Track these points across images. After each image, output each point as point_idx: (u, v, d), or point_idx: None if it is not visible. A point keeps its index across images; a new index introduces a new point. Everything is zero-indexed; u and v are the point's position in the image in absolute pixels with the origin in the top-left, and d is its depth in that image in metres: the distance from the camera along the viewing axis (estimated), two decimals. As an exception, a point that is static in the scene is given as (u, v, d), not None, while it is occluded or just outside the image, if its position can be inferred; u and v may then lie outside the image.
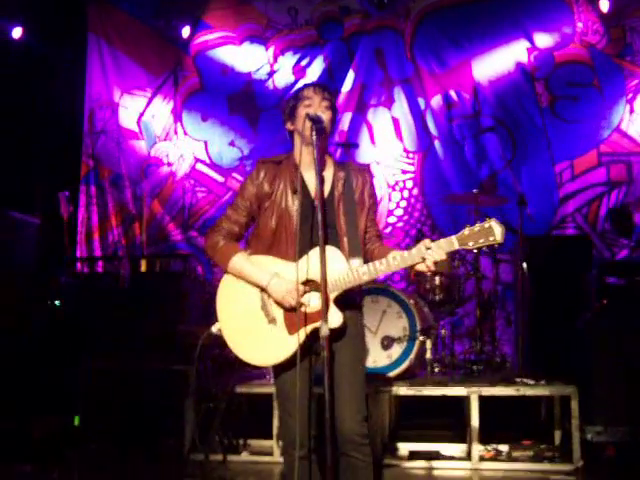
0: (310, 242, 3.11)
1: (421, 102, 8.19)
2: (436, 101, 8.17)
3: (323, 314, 2.87)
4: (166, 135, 8.78)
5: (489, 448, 5.32)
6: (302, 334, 3.06)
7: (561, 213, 7.71)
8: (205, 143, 8.70)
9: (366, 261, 3.17)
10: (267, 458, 5.36)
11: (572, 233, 7.60)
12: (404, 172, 8.17)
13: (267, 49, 8.64)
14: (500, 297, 6.81)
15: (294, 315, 3.09)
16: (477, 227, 2.95)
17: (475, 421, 5.13)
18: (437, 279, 6.12)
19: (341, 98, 8.25)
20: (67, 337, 5.83)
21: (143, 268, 6.98)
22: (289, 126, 3.34)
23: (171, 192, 8.66)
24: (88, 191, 8.70)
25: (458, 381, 5.55)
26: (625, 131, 7.63)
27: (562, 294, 5.85)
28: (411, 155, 8.19)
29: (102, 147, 8.80)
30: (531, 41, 7.93)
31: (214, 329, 3.34)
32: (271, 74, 8.61)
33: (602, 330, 5.19)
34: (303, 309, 3.09)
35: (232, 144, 8.62)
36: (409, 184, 8.14)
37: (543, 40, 7.92)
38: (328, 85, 3.56)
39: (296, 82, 8.45)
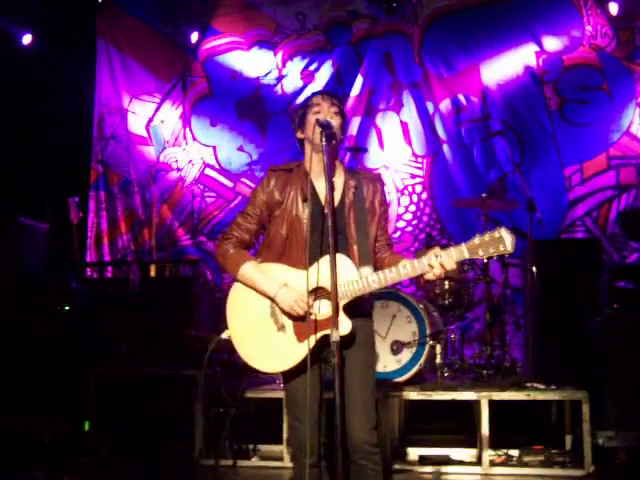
0: (320, 250, 3.11)
1: (430, 106, 8.18)
2: (445, 105, 8.16)
3: (333, 321, 2.87)
4: (175, 140, 8.80)
5: (500, 453, 5.30)
6: (311, 341, 3.06)
7: (571, 217, 7.68)
8: (214, 148, 8.72)
9: (376, 269, 3.17)
10: (277, 463, 5.36)
11: (582, 237, 7.58)
12: (413, 176, 8.16)
13: (275, 54, 8.65)
14: (510, 301, 6.79)
15: (303, 323, 3.09)
16: (487, 236, 2.93)
17: (485, 426, 5.12)
18: (446, 284, 6.11)
19: (350, 103, 8.24)
20: (76, 342, 5.84)
21: (152, 273, 6.98)
22: (299, 134, 3.35)
23: (180, 197, 8.68)
24: (97, 196, 8.73)
25: (468, 386, 5.53)
26: (635, 134, 7.60)
27: (572, 298, 5.83)
28: (420, 159, 8.18)
29: (111, 153, 8.83)
30: (540, 45, 7.91)
31: (224, 336, 3.34)
32: (279, 79, 8.62)
33: (612, 334, 5.17)
34: (312, 317, 3.09)
35: (241, 149, 8.63)
36: (418, 188, 8.13)
37: (552, 44, 7.90)
38: (336, 91, 3.57)
39: (304, 87, 8.45)
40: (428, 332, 5.60)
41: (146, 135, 8.85)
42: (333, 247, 2.92)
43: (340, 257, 3.06)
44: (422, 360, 5.57)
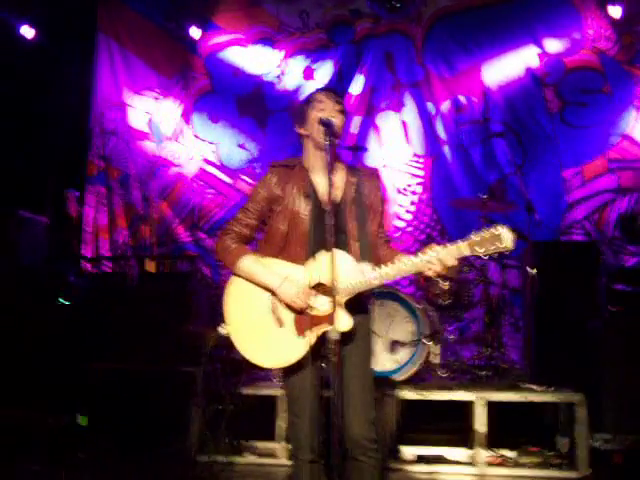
0: (320, 246, 3.11)
1: (430, 106, 8.19)
2: (445, 106, 8.17)
3: (333, 318, 2.88)
4: (175, 136, 8.80)
5: (495, 454, 5.30)
6: (312, 337, 3.07)
7: (570, 219, 7.69)
8: (214, 145, 8.72)
9: (375, 266, 3.17)
10: (272, 460, 5.36)
11: (581, 239, 7.59)
12: (413, 176, 8.16)
13: (278, 52, 8.65)
14: (508, 303, 6.80)
15: (303, 318, 3.10)
16: (487, 234, 2.91)
17: (481, 426, 5.13)
18: (445, 284, 6.11)
19: (351, 101, 8.25)
20: (74, 336, 5.83)
21: (151, 268, 6.98)
22: (300, 130, 3.35)
23: (180, 193, 8.67)
24: (97, 191, 8.73)
25: (465, 386, 5.54)
26: (634, 138, 7.62)
27: (570, 300, 5.82)
28: (420, 159, 8.18)
29: (113, 148, 8.82)
30: (541, 47, 7.92)
31: (222, 331, 3.34)
32: (281, 76, 8.62)
33: (610, 337, 5.18)
34: (313, 313, 3.09)
35: (241, 146, 8.63)
36: (418, 189, 8.14)
37: (553, 46, 7.91)
38: (339, 89, 3.57)
39: (306, 85, 8.45)
40: (426, 332, 5.60)
41: (146, 130, 8.84)
42: (332, 244, 2.92)
43: (340, 254, 3.07)
44: (420, 360, 5.58)
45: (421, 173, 8.15)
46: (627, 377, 5.01)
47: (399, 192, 8.14)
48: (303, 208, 3.23)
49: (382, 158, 8.21)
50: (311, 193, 3.23)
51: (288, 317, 3.17)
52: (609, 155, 7.67)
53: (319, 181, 3.27)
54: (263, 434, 5.58)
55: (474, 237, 2.93)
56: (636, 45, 7.68)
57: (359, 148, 7.81)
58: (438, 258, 2.96)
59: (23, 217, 6.60)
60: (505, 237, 2.89)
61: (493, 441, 5.22)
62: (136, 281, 6.47)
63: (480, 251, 2.93)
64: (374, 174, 3.47)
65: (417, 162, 8.18)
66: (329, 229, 2.94)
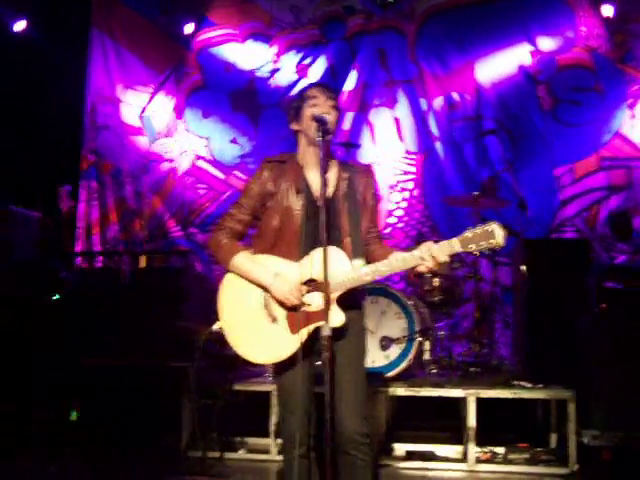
0: (313, 242, 3.12)
1: (423, 103, 8.21)
2: (438, 102, 8.19)
3: (325, 314, 2.89)
4: (168, 131, 8.79)
5: (485, 450, 5.31)
6: (304, 333, 3.08)
7: (561, 216, 7.73)
8: (207, 140, 8.71)
9: (367, 262, 3.18)
10: (264, 456, 5.37)
11: (571, 237, 7.62)
12: (405, 173, 8.18)
13: (270, 47, 8.65)
14: (499, 300, 6.82)
15: (296, 315, 3.11)
16: (479, 230, 2.93)
17: (472, 423, 5.14)
18: (436, 281, 6.13)
19: (343, 98, 8.25)
20: (65, 331, 5.83)
21: (143, 264, 6.98)
22: (294, 126, 3.35)
23: (172, 188, 8.67)
24: (89, 186, 8.71)
25: (456, 383, 5.55)
26: (626, 136, 7.65)
27: (560, 298, 5.85)
28: (412, 156, 8.20)
29: (104, 142, 8.81)
30: (534, 44, 7.95)
31: (215, 327, 3.35)
32: (273, 72, 8.62)
33: (600, 334, 5.21)
34: (305, 309, 3.10)
35: (233, 141, 8.63)
36: (410, 185, 8.15)
37: (546, 44, 7.94)
38: (331, 85, 3.57)
39: (298, 81, 8.47)
40: (417, 328, 5.62)
41: (139, 125, 8.83)
42: (325, 240, 2.93)
43: (333, 250, 3.08)
44: (410, 356, 5.59)
45: (413, 169, 8.17)
46: (616, 374, 5.04)
47: (391, 188, 8.15)
48: (296, 204, 3.23)
49: (375, 155, 8.22)
50: (304, 189, 3.23)
51: (281, 313, 3.17)
52: (601, 153, 7.71)
53: (312, 177, 3.27)
54: (256, 430, 5.59)
55: (466, 234, 2.95)
56: (628, 43, 7.71)
57: (352, 144, 7.82)
58: (430, 254, 2.97)
59: (15, 212, 6.58)
60: (497, 234, 2.91)
61: (483, 437, 5.24)
62: (128, 276, 6.46)
63: (472, 247, 2.94)
64: (367, 171, 3.48)
65: (409, 159, 8.19)
66: (322, 225, 2.94)
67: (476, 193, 6.35)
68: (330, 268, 2.95)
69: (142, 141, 8.81)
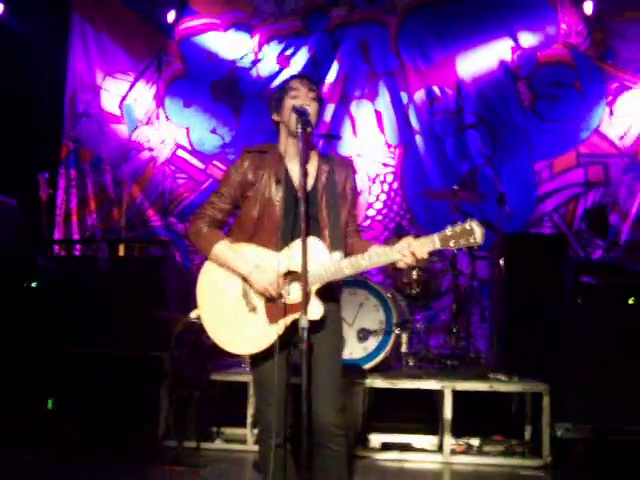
0: (292, 233, 3.13)
1: (404, 96, 8.22)
2: (419, 96, 8.21)
3: (303, 306, 2.90)
4: (148, 120, 8.73)
5: (460, 442, 5.37)
6: (282, 324, 3.09)
7: (539, 212, 7.79)
8: (187, 129, 8.68)
9: (345, 254, 3.19)
10: (241, 446, 5.38)
11: (549, 232, 7.69)
12: (385, 165, 8.20)
13: (252, 37, 8.62)
14: (476, 293, 6.87)
15: (275, 306, 3.12)
16: (458, 227, 2.96)
17: (448, 415, 5.19)
18: (414, 273, 6.16)
19: (324, 89, 8.25)
20: (43, 320, 5.79)
21: (121, 252, 6.94)
22: (275, 117, 3.35)
23: (151, 177, 8.62)
24: (68, 174, 8.64)
25: (432, 375, 5.60)
26: (604, 133, 7.72)
27: (537, 292, 5.90)
28: (392, 149, 8.22)
29: (83, 130, 8.73)
30: (515, 40, 7.99)
31: (193, 315, 3.35)
32: (255, 62, 8.59)
33: (575, 328, 5.26)
34: (284, 300, 3.11)
35: (214, 131, 8.60)
36: (389, 178, 8.18)
37: (527, 39, 7.98)
38: (313, 76, 3.58)
39: (280, 71, 8.44)
40: (395, 321, 5.65)
41: (119, 113, 8.76)
42: (304, 231, 2.93)
43: (313, 241, 3.09)
44: (388, 348, 5.62)
45: (393, 162, 8.19)
46: (589, 368, 5.10)
47: (371, 181, 8.17)
48: (275, 194, 3.23)
49: (356, 147, 8.23)
50: (284, 179, 3.23)
51: (260, 303, 3.18)
52: (579, 149, 7.78)
53: (292, 168, 3.27)
54: (232, 420, 5.60)
55: (446, 231, 2.98)
56: (607, 41, 7.77)
57: (333, 136, 7.81)
58: (410, 250, 3.00)
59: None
60: (476, 232, 2.94)
61: (459, 429, 5.29)
62: (106, 265, 6.42)
63: (451, 245, 2.98)
64: (347, 163, 3.49)
65: (389, 151, 8.21)
66: (301, 216, 2.95)
67: (455, 187, 6.38)
68: (310, 260, 2.97)
69: (122, 129, 8.75)
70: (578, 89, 7.79)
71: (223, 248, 3.24)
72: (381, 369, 5.66)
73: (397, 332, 5.69)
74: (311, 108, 3.19)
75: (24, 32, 8.06)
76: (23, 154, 7.62)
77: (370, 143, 8.25)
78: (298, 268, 2.99)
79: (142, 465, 4.97)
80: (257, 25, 8.63)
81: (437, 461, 5.19)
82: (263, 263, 3.16)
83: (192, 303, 3.36)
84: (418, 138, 8.13)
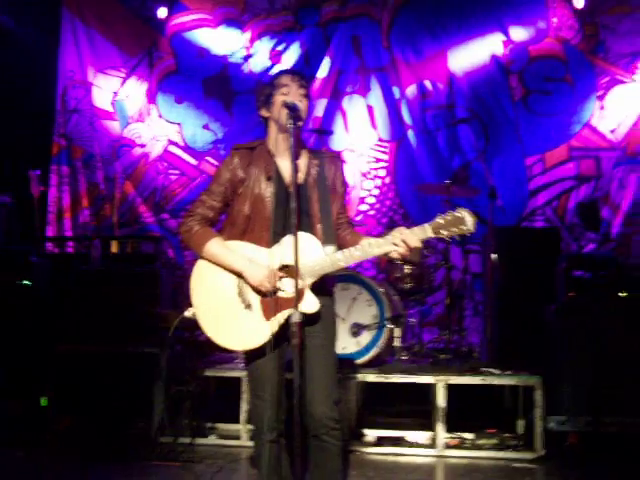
0: (284, 229, 3.14)
1: (396, 91, 8.22)
2: (411, 90, 8.21)
3: (296, 300, 2.91)
4: (140, 116, 8.71)
5: (454, 436, 5.40)
6: (277, 320, 3.10)
7: (531, 205, 7.81)
8: (179, 125, 8.66)
9: (338, 248, 3.21)
10: (235, 442, 5.39)
11: (541, 226, 7.71)
12: (377, 160, 8.20)
13: (244, 33, 8.59)
14: (469, 287, 6.89)
15: (270, 301, 3.12)
16: (450, 216, 3.01)
17: (441, 409, 5.21)
18: (407, 268, 6.18)
19: (316, 84, 8.25)
20: (36, 317, 5.79)
21: (114, 249, 6.93)
22: (264, 113, 3.35)
23: (143, 174, 8.60)
24: (60, 170, 8.61)
25: (426, 369, 5.61)
26: (595, 127, 7.74)
27: (530, 285, 5.92)
28: (385, 144, 8.22)
29: (75, 126, 8.70)
30: (507, 34, 7.99)
31: (188, 314, 3.35)
32: (247, 58, 8.57)
33: (567, 322, 5.28)
34: (280, 295, 3.12)
35: (206, 127, 8.58)
36: (382, 172, 8.18)
37: (518, 34, 7.98)
38: (304, 72, 3.58)
39: (272, 67, 8.42)
40: (388, 315, 5.66)
41: (111, 110, 8.73)
42: (296, 226, 2.94)
43: (306, 236, 3.11)
44: (381, 343, 5.63)
45: (385, 157, 8.20)
46: (581, 361, 5.12)
47: (363, 176, 8.18)
48: (266, 190, 3.24)
49: (348, 142, 8.23)
50: (274, 176, 3.24)
51: (255, 300, 3.19)
52: (570, 143, 7.80)
53: (282, 164, 3.29)
54: (227, 416, 5.61)
55: (438, 220, 3.03)
56: (598, 35, 7.79)
57: (325, 131, 7.83)
58: (403, 239, 3.02)
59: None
60: (467, 220, 2.99)
61: (452, 423, 5.31)
62: (99, 262, 6.42)
63: (444, 233, 3.03)
64: (336, 158, 3.51)
65: (382, 146, 8.22)
66: (292, 211, 2.96)
67: (448, 181, 6.39)
68: (304, 255, 3.00)
69: (114, 126, 8.72)
70: (569, 83, 7.80)
71: (216, 245, 3.24)
72: (374, 364, 5.67)
73: (390, 327, 5.70)
74: (301, 104, 3.20)
75: (14, 28, 8.02)
76: (14, 151, 7.59)
77: (362, 138, 8.25)
78: (292, 263, 3.00)
79: (136, 462, 4.98)
80: (248, 21, 8.60)
81: (431, 455, 5.21)
82: (257, 259, 3.16)
83: (185, 299, 3.36)
84: (410, 133, 8.13)
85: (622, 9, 7.76)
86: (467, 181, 7.80)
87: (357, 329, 5.69)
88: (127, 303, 5.74)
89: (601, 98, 7.75)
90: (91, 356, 5.62)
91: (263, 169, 3.27)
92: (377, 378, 5.42)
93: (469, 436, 5.46)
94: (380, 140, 8.24)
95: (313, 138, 7.78)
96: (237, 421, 5.43)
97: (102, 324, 5.69)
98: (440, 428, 5.20)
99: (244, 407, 5.36)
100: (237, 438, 5.41)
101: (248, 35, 8.58)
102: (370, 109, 8.28)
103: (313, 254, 3.11)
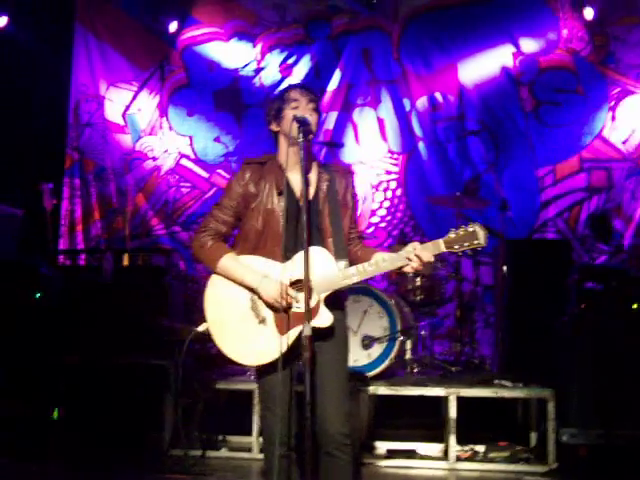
0: (296, 243, 3.14)
1: (406, 103, 8.24)
2: (421, 103, 8.22)
3: (306, 314, 2.91)
4: (151, 129, 8.76)
5: (466, 448, 5.36)
6: (292, 335, 3.11)
7: (542, 217, 7.79)
8: (190, 138, 8.70)
9: (350, 262, 3.21)
10: (246, 454, 5.39)
11: (553, 237, 7.69)
12: (388, 172, 8.21)
13: (254, 46, 8.63)
14: (480, 299, 6.87)
15: (284, 316, 3.13)
16: (462, 231, 3.03)
17: (453, 422, 5.19)
18: (418, 280, 6.17)
19: (327, 97, 8.28)
20: (47, 329, 5.81)
21: (125, 262, 6.96)
22: (274, 127, 3.36)
23: (155, 187, 8.64)
24: (72, 184, 8.67)
25: (437, 382, 5.60)
26: (607, 138, 7.73)
27: (541, 297, 5.91)
28: (395, 156, 8.23)
29: (87, 140, 8.77)
30: (517, 46, 8.00)
31: (201, 328, 3.36)
32: (258, 71, 8.61)
33: (579, 334, 5.25)
34: (294, 310, 3.13)
35: (217, 140, 8.62)
36: (393, 185, 8.19)
37: (529, 45, 7.99)
38: (314, 85, 3.60)
39: (283, 80, 8.45)
40: (399, 328, 5.65)
41: (122, 123, 8.79)
42: (307, 241, 2.95)
43: (319, 250, 3.12)
44: (392, 355, 5.62)
45: (396, 169, 8.20)
46: (594, 373, 5.09)
47: (374, 188, 8.18)
48: (277, 205, 3.25)
49: (358, 154, 8.25)
50: (285, 190, 3.25)
51: (268, 315, 3.19)
52: (582, 155, 7.78)
53: (293, 178, 3.29)
54: (238, 428, 5.61)
55: (450, 235, 3.05)
56: (609, 46, 7.78)
57: (335, 144, 7.84)
58: (416, 254, 3.03)
59: (-3, 210, 6.57)
60: (479, 234, 3.00)
61: (464, 436, 5.29)
62: (111, 274, 6.44)
63: (456, 248, 3.04)
64: (346, 172, 3.51)
65: (392, 158, 8.23)
66: (304, 226, 2.97)
67: (458, 193, 6.39)
68: (317, 269, 3.01)
69: (126, 139, 8.78)
70: (580, 94, 7.80)
71: (229, 261, 3.25)
72: (385, 376, 5.66)
73: (401, 339, 5.69)
74: (312, 118, 3.22)
75: (27, 43, 8.09)
76: (27, 165, 7.65)
77: (372, 150, 8.26)
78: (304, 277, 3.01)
79: (148, 474, 4.98)
80: (259, 34, 8.66)
81: (442, 468, 5.19)
82: (270, 273, 3.17)
83: (197, 311, 3.37)
84: (421, 145, 8.14)
85: (632, 20, 7.76)
86: (478, 193, 7.78)
87: (368, 341, 5.68)
88: (138, 316, 5.75)
89: (612, 109, 7.73)
90: (102, 368, 5.63)
91: (274, 184, 3.28)
92: (388, 391, 5.41)
93: (481, 449, 5.41)
94: (391, 152, 8.25)
95: (324, 151, 7.79)
96: (248, 434, 5.43)
97: (112, 336, 5.70)
98: (452, 441, 5.18)
99: (255, 420, 5.35)
100: (248, 451, 5.40)
101: (259, 48, 8.63)
102: (381, 121, 8.30)
103: (326, 269, 3.11)
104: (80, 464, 5.14)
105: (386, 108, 8.31)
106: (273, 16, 8.66)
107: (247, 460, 5.33)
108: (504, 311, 6.21)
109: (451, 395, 5.24)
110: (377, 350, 5.68)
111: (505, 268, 6.09)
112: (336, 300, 3.22)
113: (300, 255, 3.08)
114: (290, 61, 8.55)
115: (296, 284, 3.15)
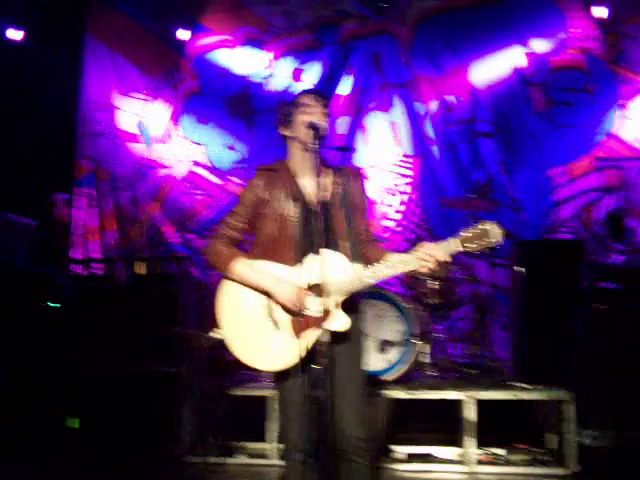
0: (310, 248, 3.13)
1: (418, 107, 8.22)
2: (433, 106, 8.21)
3: (323, 318, 2.90)
4: (165, 138, 8.79)
5: (485, 452, 5.34)
6: (308, 338, 3.10)
7: (556, 218, 7.75)
8: (203, 146, 8.72)
9: (365, 265, 3.20)
10: (263, 461, 5.38)
11: (567, 238, 7.64)
12: (402, 176, 8.19)
13: (265, 52, 8.65)
14: (496, 301, 6.83)
15: (300, 320, 3.12)
16: (475, 230, 2.99)
17: (471, 425, 5.16)
18: (433, 283, 6.14)
19: (339, 102, 8.28)
20: (62, 338, 5.83)
21: (142, 271, 6.97)
22: (284, 132, 3.37)
23: (169, 195, 8.67)
24: (85, 193, 8.71)
25: (454, 385, 5.57)
26: (619, 136, 7.69)
27: (557, 298, 5.87)
28: (409, 159, 8.21)
29: (100, 149, 8.81)
30: (527, 46, 7.97)
31: (216, 335, 3.35)
32: (269, 78, 8.63)
33: (596, 334, 5.22)
34: (310, 313, 3.12)
35: (231, 147, 8.64)
36: (407, 189, 8.17)
37: (539, 45, 7.97)
38: (325, 90, 3.60)
39: (293, 85, 8.47)
40: (415, 331, 5.63)
41: (135, 132, 8.83)
42: (321, 245, 2.95)
43: (334, 254, 3.12)
44: (409, 359, 5.60)
45: (410, 173, 8.19)
46: (612, 374, 5.05)
47: (388, 192, 8.17)
48: (291, 211, 3.25)
49: (371, 159, 8.24)
50: (299, 195, 3.25)
51: (284, 319, 3.18)
52: (595, 154, 7.74)
53: (306, 183, 3.30)
54: (255, 435, 5.60)
55: (463, 233, 3.00)
56: (620, 45, 7.75)
57: (347, 148, 7.85)
58: (430, 254, 3.00)
59: (11, 220, 6.59)
60: (494, 232, 2.96)
61: (483, 439, 5.26)
62: (125, 283, 6.46)
63: (471, 246, 2.99)
64: (357, 174, 3.50)
65: (406, 162, 8.21)
66: (318, 230, 2.96)
67: (472, 195, 6.38)
68: (333, 273, 3.00)
69: (138, 148, 8.81)
70: (592, 93, 7.76)
71: (242, 266, 3.25)
72: (402, 380, 5.63)
73: (418, 343, 5.67)
74: (325, 124, 3.22)
75: (40, 53, 8.14)
76: (39, 174, 7.69)
77: (385, 154, 8.25)
78: (321, 281, 3.00)
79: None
80: (269, 40, 8.67)
81: (462, 471, 5.16)
82: (284, 277, 3.17)
83: (211, 319, 3.36)
84: (434, 148, 8.12)
85: (642, 19, 7.73)
86: (491, 194, 7.75)
87: (384, 346, 5.66)
88: (152, 323, 5.76)
89: (624, 107, 7.69)
90: (118, 376, 5.64)
91: (287, 190, 3.29)
92: (405, 395, 5.39)
93: (500, 452, 5.38)
94: (404, 156, 8.23)
95: (336, 156, 7.79)
96: (266, 440, 5.41)
97: (128, 344, 5.71)
98: (470, 444, 5.15)
99: (272, 426, 5.34)
100: (265, 457, 5.39)
101: (269, 55, 8.64)
102: (393, 125, 8.29)
103: (342, 272, 3.10)
104: (97, 472, 5.14)
105: (398, 112, 8.30)
106: (282, 22, 8.68)
107: (264, 467, 5.31)
108: (520, 313, 6.17)
109: (469, 398, 5.21)
110: (394, 354, 5.66)
111: (522, 269, 6.04)
112: (352, 304, 3.21)
113: (315, 259, 3.07)
114: (300, 67, 8.56)
115: (312, 288, 3.14)
